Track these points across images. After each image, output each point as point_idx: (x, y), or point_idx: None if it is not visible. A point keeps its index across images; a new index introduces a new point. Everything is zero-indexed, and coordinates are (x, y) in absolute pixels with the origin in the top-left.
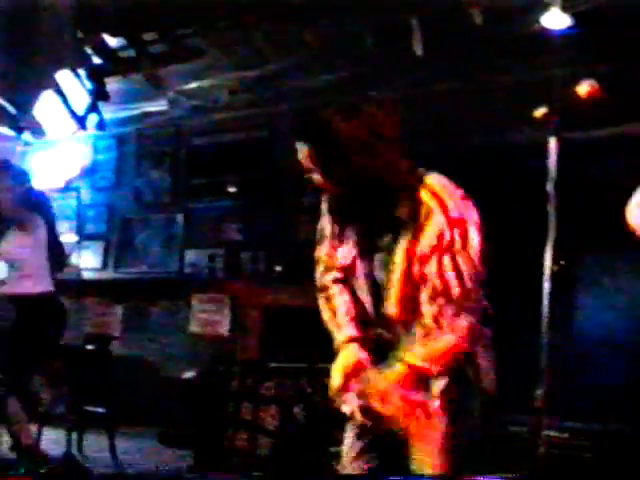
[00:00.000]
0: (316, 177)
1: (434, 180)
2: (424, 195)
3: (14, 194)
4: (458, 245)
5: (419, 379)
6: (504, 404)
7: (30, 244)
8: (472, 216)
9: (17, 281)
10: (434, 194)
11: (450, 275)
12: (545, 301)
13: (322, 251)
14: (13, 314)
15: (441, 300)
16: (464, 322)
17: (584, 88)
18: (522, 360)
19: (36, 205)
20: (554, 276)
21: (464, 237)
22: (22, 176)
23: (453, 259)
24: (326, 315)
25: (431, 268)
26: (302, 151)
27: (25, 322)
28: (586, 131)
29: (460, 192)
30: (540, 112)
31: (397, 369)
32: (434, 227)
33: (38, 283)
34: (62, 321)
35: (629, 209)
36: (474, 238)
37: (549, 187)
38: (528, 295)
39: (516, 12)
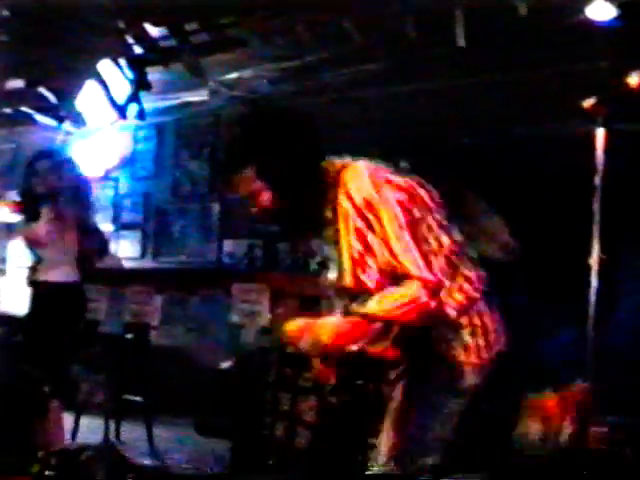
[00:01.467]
0: (261, 199)
1: (347, 174)
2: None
3: (52, 179)
4: (375, 224)
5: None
6: None
7: (58, 230)
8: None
9: (43, 269)
10: (344, 189)
11: (384, 252)
12: (592, 294)
13: None
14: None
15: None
16: (414, 284)
17: (634, 79)
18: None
19: (74, 193)
20: (600, 269)
21: (377, 216)
22: (63, 164)
23: (376, 238)
24: None
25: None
26: (246, 175)
27: (48, 312)
28: (637, 123)
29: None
30: (589, 103)
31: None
32: (344, 219)
33: (63, 272)
34: (82, 312)
35: None
36: (388, 210)
37: (596, 179)
38: (572, 288)
39: (560, 3)
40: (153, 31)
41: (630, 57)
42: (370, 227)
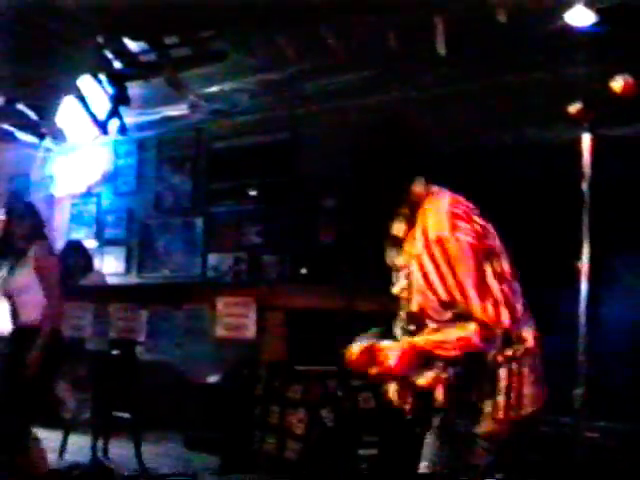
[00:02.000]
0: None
1: (429, 204)
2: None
3: (23, 227)
4: (441, 261)
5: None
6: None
7: (31, 274)
8: (457, 229)
9: (17, 314)
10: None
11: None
12: (582, 301)
13: None
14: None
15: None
16: (471, 325)
17: (618, 83)
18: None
19: (40, 231)
20: (587, 275)
21: (445, 253)
22: (31, 208)
23: (443, 271)
24: None
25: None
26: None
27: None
28: (621, 127)
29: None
30: (574, 108)
31: (400, 343)
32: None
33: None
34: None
35: None
36: (458, 249)
37: (583, 185)
38: (559, 295)
39: (540, 10)
40: (133, 46)
41: (612, 61)
42: (436, 264)
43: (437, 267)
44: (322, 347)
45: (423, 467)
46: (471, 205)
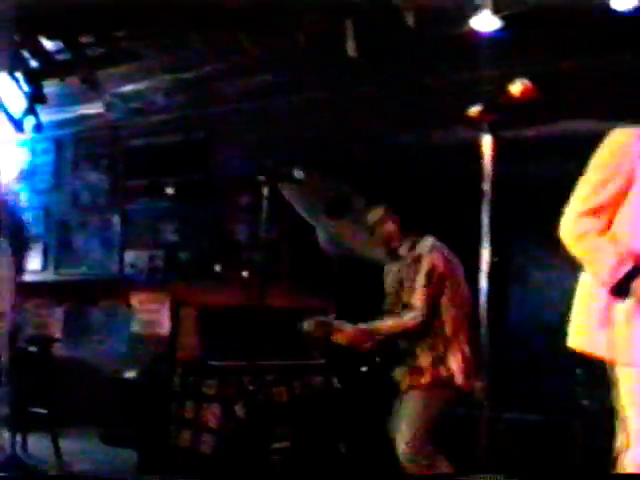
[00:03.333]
0: None
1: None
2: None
3: None
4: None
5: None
6: None
7: None
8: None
9: None
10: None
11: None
12: (482, 297)
13: None
14: None
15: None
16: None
17: (517, 87)
18: None
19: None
20: (489, 272)
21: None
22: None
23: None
24: None
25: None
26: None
27: None
28: (520, 129)
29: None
30: (475, 111)
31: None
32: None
33: None
34: None
35: (565, 222)
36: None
37: (484, 185)
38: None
39: (447, 14)
40: (48, 44)
41: (514, 66)
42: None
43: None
44: (236, 343)
45: None
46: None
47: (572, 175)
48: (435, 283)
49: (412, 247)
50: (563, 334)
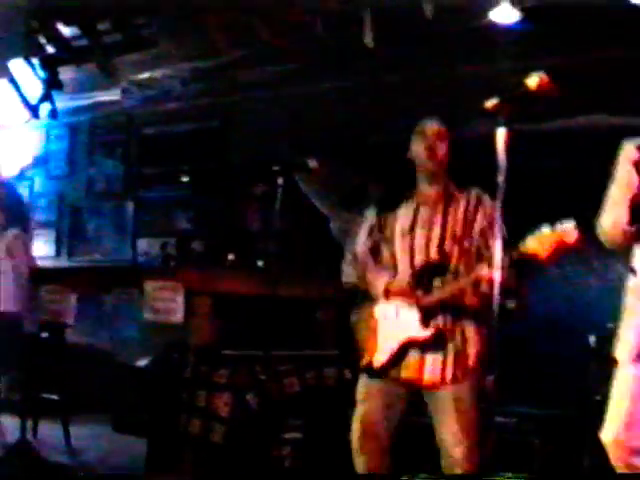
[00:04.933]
0: None
1: None
2: None
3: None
4: None
5: None
6: None
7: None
8: None
9: None
10: None
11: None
12: (495, 291)
13: None
14: None
15: None
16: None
17: (534, 80)
18: None
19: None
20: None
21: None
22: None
23: None
24: None
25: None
26: None
27: None
28: (536, 123)
29: None
30: (491, 103)
31: None
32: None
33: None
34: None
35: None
36: None
37: (499, 178)
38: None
39: (466, 6)
40: (65, 31)
41: (531, 58)
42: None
43: None
44: (249, 332)
45: None
46: None
47: (589, 169)
48: None
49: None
50: (576, 330)
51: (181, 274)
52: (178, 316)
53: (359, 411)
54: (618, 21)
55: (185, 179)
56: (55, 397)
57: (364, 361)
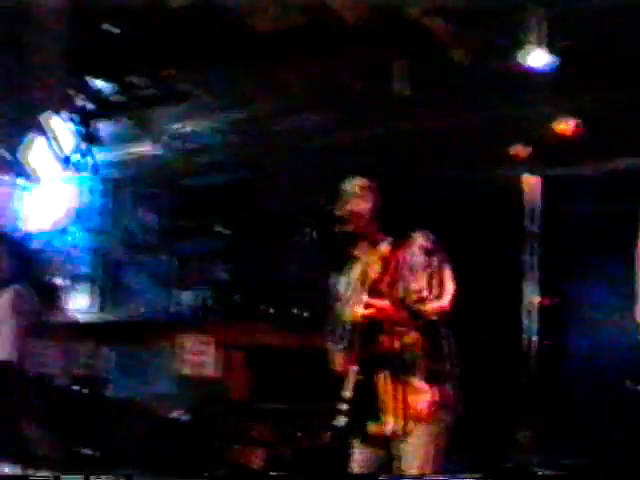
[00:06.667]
0: None
1: None
2: None
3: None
4: None
5: None
6: None
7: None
8: None
9: None
10: None
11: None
12: (532, 334)
13: None
14: None
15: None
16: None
17: (562, 125)
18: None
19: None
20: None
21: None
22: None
23: None
24: None
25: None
26: None
27: None
28: (566, 168)
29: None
30: (518, 149)
31: None
32: None
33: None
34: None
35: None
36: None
37: (527, 222)
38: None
39: (498, 51)
40: (100, 84)
41: (564, 103)
42: None
43: None
44: (284, 385)
45: None
46: None
47: (622, 213)
48: None
49: None
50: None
51: (216, 327)
52: (212, 369)
53: None
54: None
55: (221, 230)
56: (92, 452)
57: None
